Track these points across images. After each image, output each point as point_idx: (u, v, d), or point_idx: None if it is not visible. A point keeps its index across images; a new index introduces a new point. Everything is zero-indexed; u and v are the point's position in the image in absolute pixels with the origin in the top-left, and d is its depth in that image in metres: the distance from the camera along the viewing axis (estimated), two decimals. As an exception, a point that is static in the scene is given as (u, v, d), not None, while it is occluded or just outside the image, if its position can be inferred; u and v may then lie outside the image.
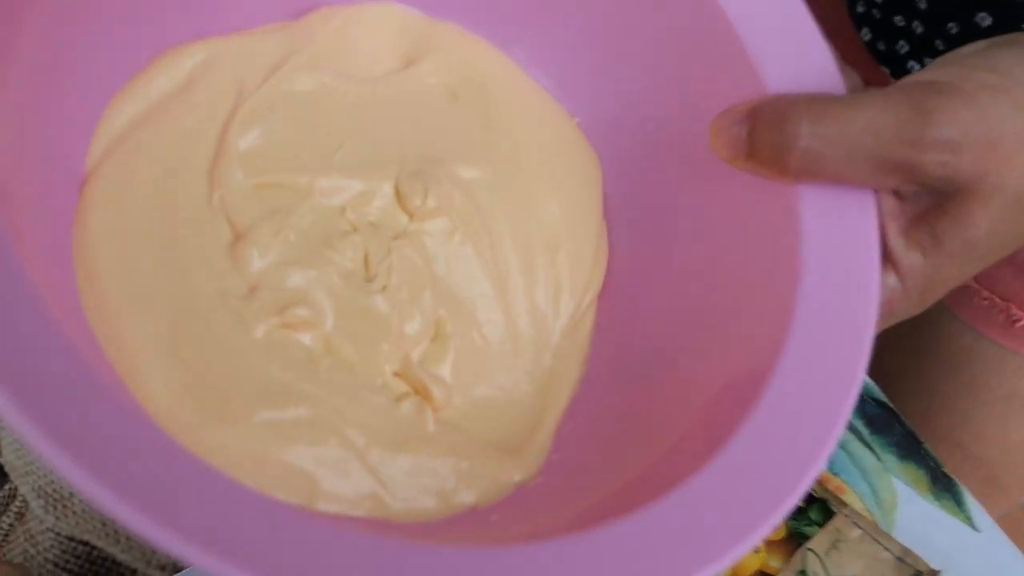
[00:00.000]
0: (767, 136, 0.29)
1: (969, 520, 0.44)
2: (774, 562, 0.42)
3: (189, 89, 0.31)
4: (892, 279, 0.30)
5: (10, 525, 0.38)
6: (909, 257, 0.29)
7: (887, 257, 0.30)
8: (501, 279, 0.33)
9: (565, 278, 0.35)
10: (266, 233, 0.30)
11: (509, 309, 0.33)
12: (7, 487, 0.38)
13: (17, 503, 0.38)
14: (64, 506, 0.37)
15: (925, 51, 0.49)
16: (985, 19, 0.45)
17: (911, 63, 0.50)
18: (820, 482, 0.44)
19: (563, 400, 0.33)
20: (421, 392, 0.31)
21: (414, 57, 0.35)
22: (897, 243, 0.29)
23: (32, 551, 0.37)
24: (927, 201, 0.29)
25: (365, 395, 0.29)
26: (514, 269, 0.34)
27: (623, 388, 0.33)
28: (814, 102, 0.29)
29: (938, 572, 0.42)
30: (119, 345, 0.27)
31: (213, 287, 0.29)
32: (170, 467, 0.21)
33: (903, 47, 0.50)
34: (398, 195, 0.33)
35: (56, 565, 0.36)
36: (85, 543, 0.38)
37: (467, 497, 0.29)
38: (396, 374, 0.31)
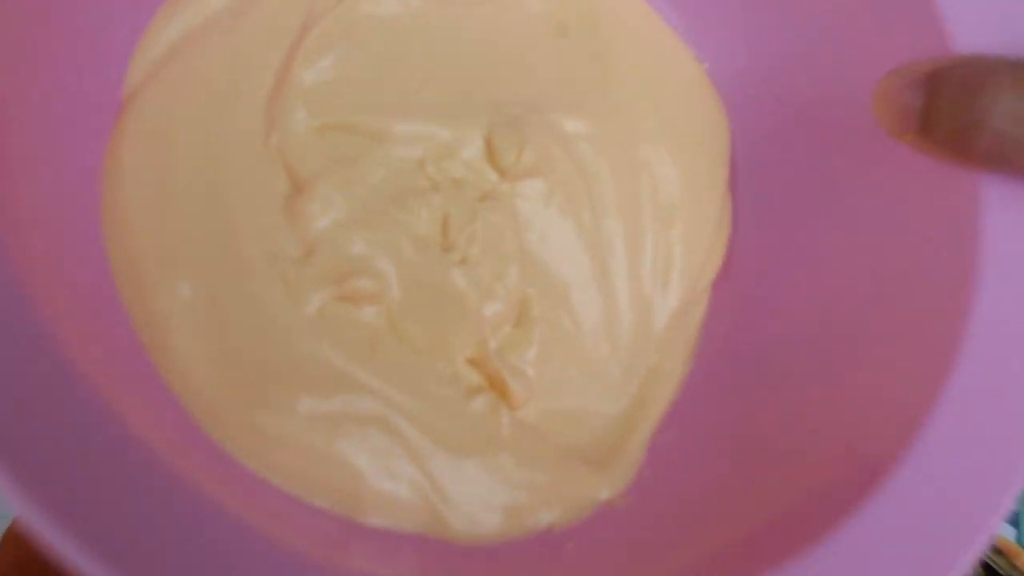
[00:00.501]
0: (950, 108, 0.23)
1: None
2: None
3: (252, 3, 0.26)
4: None
5: None
6: None
7: None
8: (602, 255, 0.28)
9: (678, 257, 0.29)
10: (329, 186, 0.25)
11: (609, 291, 0.28)
12: None
13: None
14: None
15: None
16: None
17: None
18: (1002, 553, 0.38)
19: (662, 404, 0.28)
20: (497, 386, 0.26)
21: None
22: None
23: None
24: None
25: (430, 387, 0.25)
26: (619, 243, 0.28)
27: (734, 395, 0.28)
28: (1019, 70, 0.22)
29: None
30: (147, 308, 0.23)
31: (263, 247, 0.24)
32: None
33: None
34: (488, 148, 0.27)
35: None
36: None
37: (542, 517, 0.25)
38: (469, 362, 0.26)
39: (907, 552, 0.20)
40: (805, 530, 0.21)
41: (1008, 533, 0.45)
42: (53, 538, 0.17)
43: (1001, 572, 0.37)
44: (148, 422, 0.20)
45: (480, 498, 0.24)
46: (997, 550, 0.39)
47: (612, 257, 0.28)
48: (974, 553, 0.21)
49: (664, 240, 0.29)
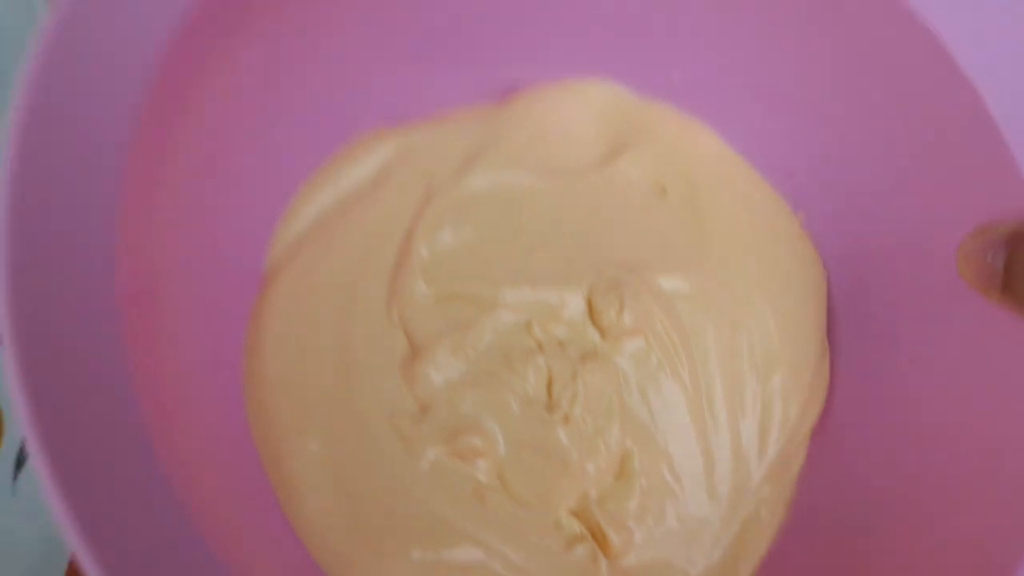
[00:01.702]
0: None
1: None
2: None
3: (378, 184, 0.30)
4: None
5: None
6: None
7: None
8: (701, 411, 0.30)
9: (777, 409, 0.30)
10: (443, 350, 0.28)
11: (708, 446, 0.29)
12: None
13: None
14: None
15: None
16: None
17: None
18: None
19: (758, 555, 0.29)
20: (597, 536, 0.28)
21: (621, 143, 0.32)
22: None
23: None
24: None
25: (532, 537, 0.27)
26: (718, 399, 0.30)
27: (830, 547, 0.28)
28: None
29: None
30: (277, 459, 0.26)
31: (383, 406, 0.27)
32: None
33: None
34: (590, 309, 0.30)
35: None
36: None
37: (638, 665, 0.26)
38: (572, 513, 0.28)
39: None
40: None
41: None
42: None
43: None
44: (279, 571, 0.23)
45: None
46: None
47: (711, 412, 0.30)
48: None
49: (763, 393, 0.30)
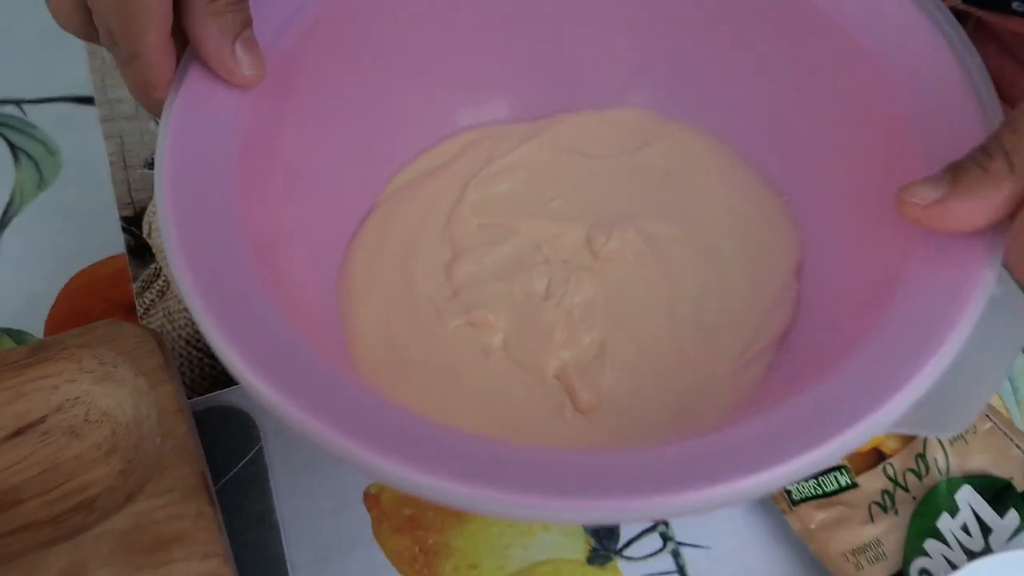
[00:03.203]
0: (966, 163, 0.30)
1: None
2: (892, 443, 0.41)
3: (453, 160, 0.43)
4: None
5: (151, 301, 0.45)
6: None
7: None
8: (674, 313, 0.39)
9: (741, 319, 0.39)
10: (474, 255, 0.40)
11: (678, 342, 0.38)
12: (153, 266, 0.46)
13: (160, 282, 0.46)
14: None
15: None
16: None
17: None
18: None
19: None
20: (572, 395, 0.37)
21: (639, 144, 0.43)
22: None
23: (168, 326, 0.45)
24: None
25: (522, 391, 0.37)
26: (687, 304, 0.39)
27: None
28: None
29: None
30: (352, 319, 0.39)
31: (428, 290, 0.39)
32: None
33: None
34: (588, 239, 0.41)
35: (187, 342, 0.45)
36: None
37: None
38: (555, 376, 0.38)
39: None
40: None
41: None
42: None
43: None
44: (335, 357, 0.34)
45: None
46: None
47: (681, 315, 0.39)
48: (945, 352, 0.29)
49: (728, 304, 0.39)
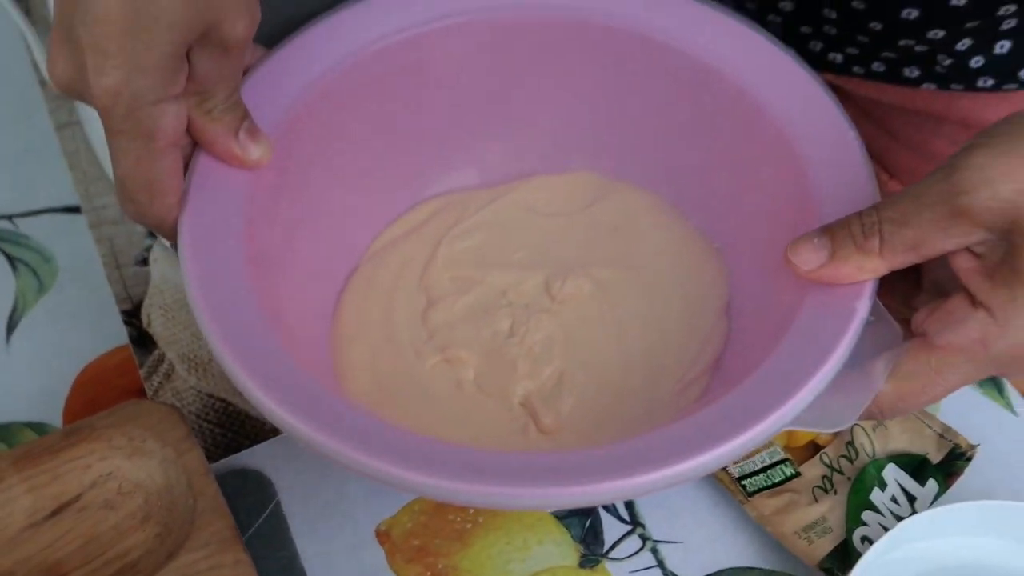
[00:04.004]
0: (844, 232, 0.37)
1: (1009, 406, 0.50)
2: (825, 435, 0.48)
3: (426, 222, 0.49)
4: (982, 315, 0.35)
5: (159, 383, 0.50)
6: (996, 295, 0.35)
7: (977, 303, 0.35)
8: (623, 346, 0.45)
9: (680, 347, 0.45)
10: (447, 303, 0.46)
11: (626, 364, 0.44)
12: (156, 352, 0.51)
13: (165, 366, 0.50)
14: (204, 369, 0.50)
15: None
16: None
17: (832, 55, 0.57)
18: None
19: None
20: (534, 417, 0.43)
21: (591, 202, 0.50)
22: (983, 287, 0.35)
23: (178, 404, 0.49)
24: (1001, 249, 0.34)
25: (490, 416, 0.43)
26: (636, 340, 0.45)
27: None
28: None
29: (976, 446, 0.47)
30: (343, 360, 0.45)
31: (408, 334, 0.45)
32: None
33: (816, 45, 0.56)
34: (546, 285, 0.47)
35: (197, 416, 0.49)
36: (222, 399, 0.50)
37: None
38: (520, 403, 0.44)
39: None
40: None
41: None
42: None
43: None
44: (324, 392, 0.38)
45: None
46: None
47: (629, 347, 0.45)
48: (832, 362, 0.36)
49: (669, 335, 0.45)
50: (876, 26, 0.55)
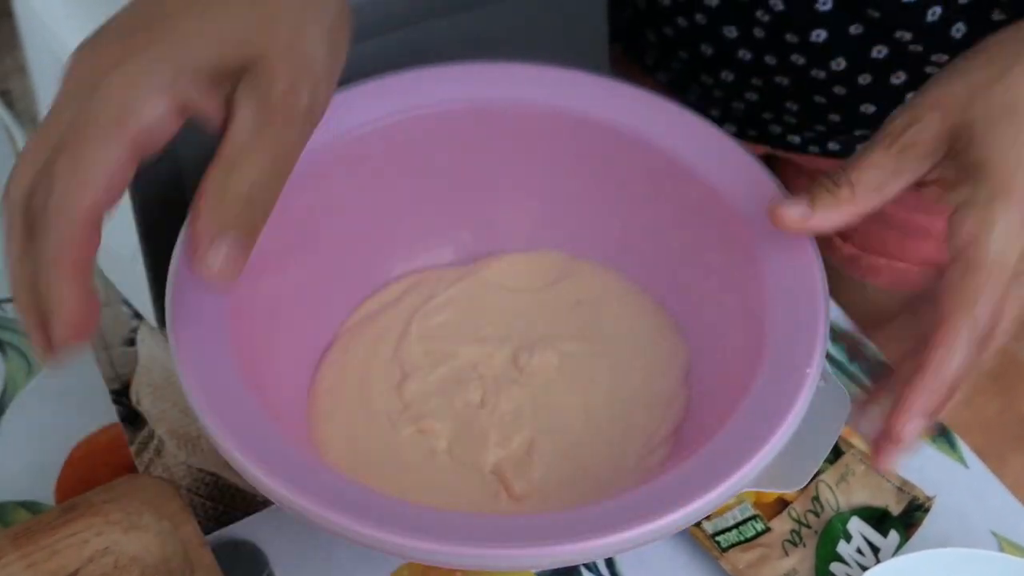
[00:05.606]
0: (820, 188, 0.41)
1: (961, 459, 0.54)
2: (792, 493, 0.51)
3: (399, 299, 0.52)
4: (967, 216, 0.38)
5: (150, 459, 0.50)
6: (963, 192, 0.39)
7: (956, 212, 0.39)
8: (591, 417, 0.47)
9: (643, 416, 0.47)
10: (420, 375, 0.49)
11: (594, 431, 0.47)
12: (146, 429, 0.53)
13: (155, 442, 0.51)
14: (194, 444, 0.51)
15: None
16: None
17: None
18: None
19: None
20: (505, 484, 0.45)
21: (557, 279, 0.53)
22: (955, 195, 0.39)
23: (169, 479, 0.50)
24: (954, 165, 0.39)
25: (463, 484, 0.45)
26: (601, 409, 0.48)
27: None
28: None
29: (932, 498, 0.51)
30: (320, 429, 0.47)
31: (383, 405, 0.48)
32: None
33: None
34: (514, 358, 0.49)
35: (189, 491, 0.49)
36: (212, 473, 0.51)
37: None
38: (491, 471, 0.46)
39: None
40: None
41: None
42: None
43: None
44: (312, 464, 0.40)
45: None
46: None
47: (595, 416, 0.48)
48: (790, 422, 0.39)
49: (632, 407, 0.48)
50: (835, 118, 0.60)
